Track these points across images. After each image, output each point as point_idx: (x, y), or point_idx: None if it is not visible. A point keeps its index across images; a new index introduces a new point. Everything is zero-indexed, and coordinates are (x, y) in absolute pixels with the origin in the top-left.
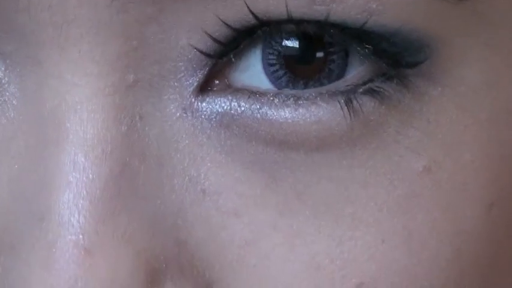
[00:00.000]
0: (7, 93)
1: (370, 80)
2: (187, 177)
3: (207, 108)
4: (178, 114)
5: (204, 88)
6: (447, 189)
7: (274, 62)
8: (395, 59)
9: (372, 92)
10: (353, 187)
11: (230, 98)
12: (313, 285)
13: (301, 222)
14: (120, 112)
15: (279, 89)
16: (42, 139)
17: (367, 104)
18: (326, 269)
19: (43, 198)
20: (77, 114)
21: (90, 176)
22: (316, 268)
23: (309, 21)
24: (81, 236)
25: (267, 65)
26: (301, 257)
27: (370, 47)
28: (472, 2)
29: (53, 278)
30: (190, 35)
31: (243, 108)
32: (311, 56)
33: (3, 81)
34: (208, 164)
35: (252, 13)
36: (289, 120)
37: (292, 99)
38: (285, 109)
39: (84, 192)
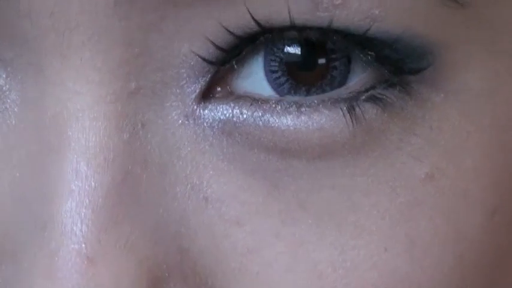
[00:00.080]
0: (8, 101)
1: (373, 87)
2: (189, 185)
3: (209, 116)
4: (180, 121)
5: (206, 95)
6: (450, 196)
7: (276, 68)
8: (397, 65)
9: (374, 99)
10: (355, 195)
11: (232, 105)
12: None
13: (304, 231)
14: (122, 120)
15: (281, 95)
16: (44, 147)
17: (369, 111)
18: (329, 277)
19: (45, 206)
20: (79, 122)
21: (93, 184)
22: (319, 276)
23: (311, 28)
24: (83, 245)
25: (269, 72)
26: (304, 265)
27: (372, 53)
28: (474, 8)
29: (56, 287)
30: (193, 42)
31: (245, 116)
32: (313, 62)
33: (4, 88)
34: (211, 172)
35: (255, 20)
36: (291, 128)
37: (294, 106)
38: (287, 116)
39: (87, 200)
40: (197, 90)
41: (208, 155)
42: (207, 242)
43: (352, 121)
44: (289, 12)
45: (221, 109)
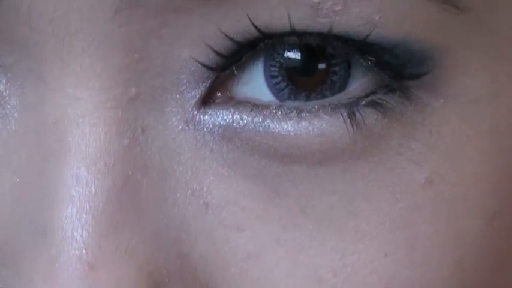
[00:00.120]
0: (8, 106)
1: (373, 92)
2: (189, 191)
3: (209, 121)
4: (180, 127)
5: (206, 101)
6: (449, 200)
7: (276, 74)
8: (397, 71)
9: (374, 104)
10: (356, 200)
11: (232, 110)
12: None
13: (304, 236)
14: (122, 125)
15: (281, 101)
16: (44, 152)
17: (369, 116)
18: (329, 282)
19: (46, 212)
20: (79, 128)
21: (93, 190)
22: (319, 281)
23: (311, 34)
24: (84, 251)
25: (269, 77)
26: (304, 270)
27: (372, 58)
28: (474, 13)
29: None
30: (193, 47)
31: (245, 121)
32: (313, 67)
33: (4, 93)
34: (211, 177)
35: (255, 26)
36: (292, 134)
37: (294, 111)
38: (288, 122)
39: (87, 206)
40: (197, 96)
41: (208, 161)
42: (207, 248)
43: (352, 126)
44: (289, 18)
45: (221, 114)
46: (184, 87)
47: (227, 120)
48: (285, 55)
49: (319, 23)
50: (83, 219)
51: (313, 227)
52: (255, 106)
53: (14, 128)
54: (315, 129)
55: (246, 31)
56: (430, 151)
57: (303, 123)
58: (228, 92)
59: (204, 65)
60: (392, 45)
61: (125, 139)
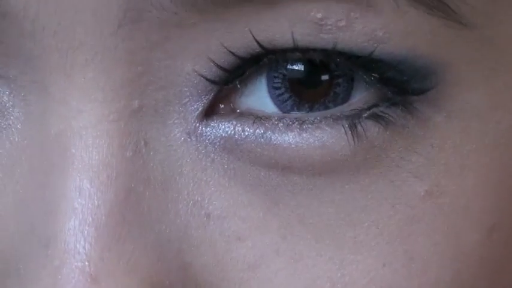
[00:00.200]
0: (11, 117)
1: (375, 105)
2: (191, 202)
3: (211, 133)
4: (182, 138)
5: (208, 113)
6: (449, 213)
7: (279, 85)
8: (401, 86)
9: (376, 117)
10: (355, 211)
11: (234, 123)
12: None
13: (303, 246)
14: (125, 138)
15: (284, 112)
16: (47, 164)
17: (371, 129)
18: None
19: (49, 224)
20: (82, 140)
21: (96, 202)
22: None
23: (315, 50)
24: (87, 263)
25: (272, 89)
26: (303, 280)
27: (376, 75)
28: (478, 28)
29: None
30: (196, 61)
31: (247, 133)
32: (316, 79)
33: (7, 105)
34: (212, 188)
35: (257, 41)
36: (293, 145)
37: (296, 123)
38: (289, 134)
39: (90, 218)
40: (200, 108)
41: (209, 171)
42: (209, 258)
43: (353, 138)
44: (292, 34)
45: (223, 126)
46: (187, 99)
47: (229, 132)
48: (288, 67)
49: (323, 39)
50: (86, 232)
51: (312, 237)
52: (257, 118)
53: (17, 139)
54: (316, 141)
55: (249, 46)
56: (430, 164)
57: (305, 135)
58: (231, 104)
59: (207, 79)
60: (397, 61)
61: (127, 151)
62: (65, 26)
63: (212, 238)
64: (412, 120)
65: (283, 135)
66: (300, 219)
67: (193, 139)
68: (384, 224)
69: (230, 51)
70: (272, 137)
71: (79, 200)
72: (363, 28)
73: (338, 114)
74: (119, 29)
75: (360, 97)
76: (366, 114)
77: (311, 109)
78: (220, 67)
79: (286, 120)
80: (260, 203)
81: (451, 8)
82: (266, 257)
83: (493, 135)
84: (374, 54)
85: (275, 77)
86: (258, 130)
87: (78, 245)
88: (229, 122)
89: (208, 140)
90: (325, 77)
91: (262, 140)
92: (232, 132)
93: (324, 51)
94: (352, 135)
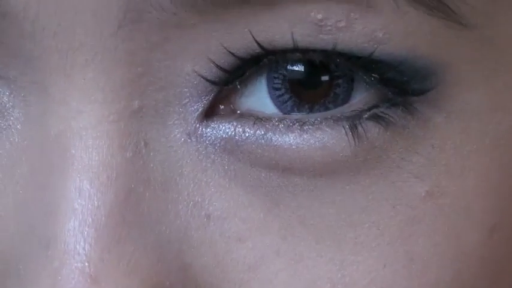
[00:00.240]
0: (11, 118)
1: (376, 106)
2: (191, 203)
3: (211, 134)
4: (182, 139)
5: (209, 113)
6: (449, 214)
7: (280, 86)
8: (401, 87)
9: (376, 118)
10: (355, 212)
11: (235, 124)
12: None
13: (304, 247)
14: (125, 138)
15: (284, 113)
16: (47, 165)
17: (371, 129)
18: None
19: (48, 225)
20: (82, 141)
21: (96, 203)
22: None
23: (315, 50)
24: (86, 264)
25: (272, 89)
26: (303, 281)
27: (376, 76)
28: (478, 29)
29: None
30: (196, 62)
31: (247, 134)
32: (316, 80)
33: (7, 105)
34: (212, 189)
35: (257, 42)
36: (294, 146)
37: (297, 124)
38: (290, 135)
39: (90, 219)
40: (200, 109)
41: (210, 172)
42: (209, 259)
43: (354, 139)
44: (292, 35)
45: (223, 127)
46: (187, 100)
47: (229, 133)
48: (288, 67)
49: (323, 39)
50: (86, 232)
51: (312, 238)
52: (257, 119)
53: (17, 139)
54: (317, 142)
55: (249, 47)
56: (431, 165)
57: (305, 136)
58: (231, 105)
59: (206, 79)
60: (397, 62)
61: (127, 152)
62: (65, 27)
63: (212, 239)
64: (413, 121)
65: (284, 136)
66: (301, 220)
67: (194, 140)
68: (385, 225)
69: (230, 52)
70: (273, 138)
71: (79, 200)
72: (362, 29)
73: (338, 115)
74: (119, 29)
75: (360, 98)
76: (366, 115)
77: (311, 110)
78: (220, 68)
79: (286, 121)
80: (261, 204)
81: (451, 8)
82: (266, 258)
83: (493, 136)
84: (374, 55)
85: (275, 77)
86: (258, 131)
87: (78, 246)
88: (229, 123)
89: (209, 141)
90: (325, 78)
91: (262, 141)
92: (233, 133)
93: (324, 52)
94: (352, 136)
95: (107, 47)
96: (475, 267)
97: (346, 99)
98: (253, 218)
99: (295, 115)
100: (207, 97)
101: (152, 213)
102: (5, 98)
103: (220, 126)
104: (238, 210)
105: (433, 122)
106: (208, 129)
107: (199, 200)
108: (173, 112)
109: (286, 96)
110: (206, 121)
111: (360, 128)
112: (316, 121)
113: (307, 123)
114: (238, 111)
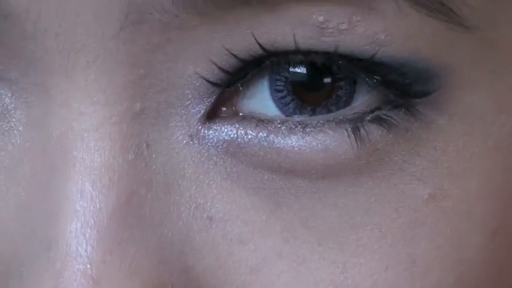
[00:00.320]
0: (13, 120)
1: (378, 108)
2: (194, 205)
3: (213, 136)
4: (185, 141)
5: (211, 115)
6: (452, 216)
7: (282, 88)
8: (404, 89)
9: (379, 120)
10: (358, 214)
11: (237, 126)
12: None
13: (306, 249)
14: (127, 140)
15: (286, 115)
16: (49, 167)
17: (374, 132)
18: None
19: (50, 227)
20: (84, 143)
21: (98, 205)
22: None
23: (317, 52)
24: (88, 266)
25: (274, 92)
26: (305, 283)
27: (378, 78)
28: (480, 31)
29: None
30: (197, 63)
31: (249, 136)
32: (319, 82)
33: (9, 107)
34: (215, 191)
35: (259, 44)
36: (296, 149)
37: (299, 126)
38: (292, 137)
39: (92, 221)
40: (202, 111)
41: (212, 175)
42: (211, 261)
43: (356, 142)
44: (294, 37)
45: (226, 130)
46: (189, 102)
47: (231, 136)
48: (291, 70)
49: (325, 42)
50: (88, 234)
51: (315, 240)
52: (260, 121)
53: (18, 141)
54: (319, 145)
55: (251, 49)
56: (433, 167)
57: (308, 138)
58: (233, 107)
59: (208, 81)
60: (399, 64)
61: (129, 154)
62: (67, 28)
63: (214, 241)
64: (415, 123)
65: (286, 138)
66: (303, 223)
67: (196, 142)
68: (387, 227)
69: (232, 54)
70: (275, 141)
71: (81, 202)
72: (364, 31)
73: (341, 117)
74: (121, 31)
75: (363, 100)
76: (368, 118)
77: (313, 112)
78: (222, 69)
79: (289, 124)
80: (263, 206)
81: (453, 10)
82: (269, 260)
83: (496, 138)
84: (376, 57)
85: (277, 79)
86: (260, 133)
87: (80, 248)
88: (231, 125)
89: (211, 143)
90: (327, 80)
91: (265, 143)
92: (235, 135)
93: (326, 54)
94: (355, 138)
95: (109, 49)
96: (477, 270)
97: (348, 102)
98: (255, 220)
99: (298, 117)
100: (209, 99)
101: (154, 215)
102: (6, 99)
103: (223, 128)
104: (241, 213)
105: (435, 125)
106: (211, 131)
107: (202, 202)
108: (175, 114)
109: (289, 98)
110: (208, 123)
111: (362, 131)
112: (318, 123)
113: (310, 125)
114: (240, 113)
